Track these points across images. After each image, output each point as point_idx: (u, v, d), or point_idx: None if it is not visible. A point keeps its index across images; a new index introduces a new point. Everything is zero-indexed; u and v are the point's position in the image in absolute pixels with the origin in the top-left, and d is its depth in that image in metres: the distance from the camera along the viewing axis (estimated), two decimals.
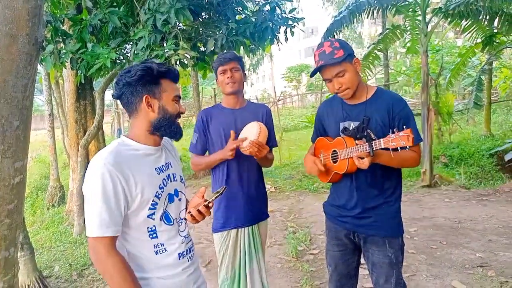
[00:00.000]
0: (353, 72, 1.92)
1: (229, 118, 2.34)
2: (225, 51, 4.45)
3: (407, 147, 1.66)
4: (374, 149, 1.72)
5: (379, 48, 8.10)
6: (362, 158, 1.76)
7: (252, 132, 2.14)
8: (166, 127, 1.49)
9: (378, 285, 2.04)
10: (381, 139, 1.71)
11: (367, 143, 1.73)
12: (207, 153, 2.43)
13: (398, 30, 7.63)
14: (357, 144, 1.82)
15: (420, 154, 1.97)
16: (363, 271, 3.24)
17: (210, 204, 1.57)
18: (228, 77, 2.29)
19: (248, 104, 2.47)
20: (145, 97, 1.45)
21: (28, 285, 3.36)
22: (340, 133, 2.00)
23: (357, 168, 1.88)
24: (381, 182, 1.99)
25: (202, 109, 2.61)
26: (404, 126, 1.68)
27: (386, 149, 1.74)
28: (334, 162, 2.02)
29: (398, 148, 1.69)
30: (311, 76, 2.11)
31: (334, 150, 2.01)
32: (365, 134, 1.77)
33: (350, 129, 1.93)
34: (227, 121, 2.34)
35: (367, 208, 2.00)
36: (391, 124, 1.90)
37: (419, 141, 1.92)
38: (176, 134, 1.53)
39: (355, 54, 1.98)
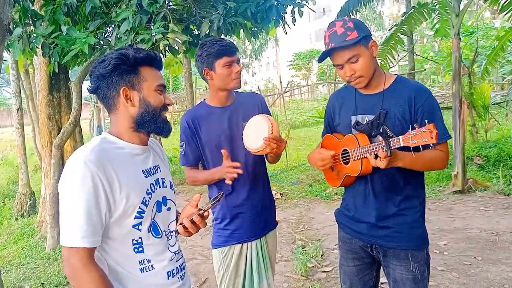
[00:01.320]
0: (368, 58, 1.91)
1: (222, 118, 2.30)
2: (222, 34, 4.45)
3: (431, 145, 1.65)
4: (392, 147, 1.70)
5: (402, 31, 8.07)
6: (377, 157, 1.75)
7: (263, 128, 2.09)
8: (151, 122, 1.48)
9: None
10: (400, 137, 1.70)
11: (383, 141, 1.70)
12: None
13: (425, 9, 7.60)
14: (371, 143, 1.82)
15: (448, 153, 1.95)
16: None
17: (206, 213, 1.56)
18: (237, 71, 2.24)
19: (238, 96, 2.42)
20: (122, 89, 1.45)
21: None
22: (352, 128, 2.00)
23: (373, 169, 1.88)
24: (402, 185, 1.98)
25: (186, 111, 2.56)
26: (426, 121, 1.66)
27: (407, 147, 1.73)
28: (346, 164, 2.01)
29: (420, 147, 1.68)
30: (320, 61, 2.08)
31: (345, 149, 2.01)
32: (380, 130, 1.75)
33: (364, 123, 1.92)
34: (220, 123, 2.30)
35: (386, 216, 2.00)
36: (412, 119, 1.89)
37: (446, 138, 1.91)
38: (163, 129, 1.53)
39: (372, 36, 1.96)
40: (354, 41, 1.85)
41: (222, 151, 2.14)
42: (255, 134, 2.13)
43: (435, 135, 1.61)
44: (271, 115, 2.41)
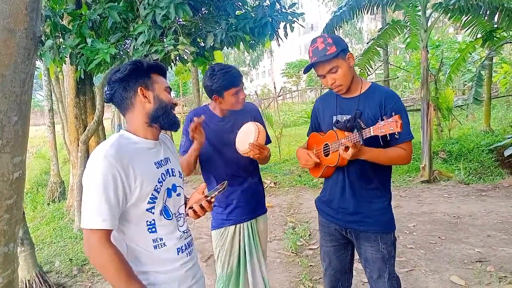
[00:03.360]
0: (346, 68, 1.92)
1: (220, 125, 2.28)
2: (224, 46, 4.44)
3: (396, 133, 1.66)
4: (364, 137, 1.73)
5: (379, 44, 8.07)
6: (348, 149, 1.76)
7: (250, 134, 2.11)
8: (164, 116, 1.50)
9: (372, 280, 2.05)
10: (371, 127, 1.72)
11: (357, 133, 1.73)
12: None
13: (398, 26, 7.60)
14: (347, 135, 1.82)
15: (410, 152, 1.95)
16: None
17: (212, 200, 1.58)
18: (243, 98, 2.21)
19: None
20: (139, 89, 1.47)
21: (29, 280, 3.36)
22: (333, 126, 2.00)
23: (348, 161, 1.89)
24: (372, 178, 1.99)
25: (193, 109, 2.55)
26: (394, 113, 1.68)
27: (376, 138, 1.73)
28: (326, 156, 2.01)
29: (387, 135, 1.69)
30: (305, 72, 2.09)
31: (326, 144, 2.01)
32: (355, 123, 1.77)
33: (342, 121, 1.93)
34: (218, 129, 2.27)
35: (358, 204, 2.00)
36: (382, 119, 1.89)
37: (409, 138, 1.90)
38: (174, 124, 1.53)
39: (349, 49, 1.97)
40: (333, 55, 1.87)
41: (195, 118, 2.05)
42: (244, 139, 2.15)
43: (400, 124, 1.63)
44: (263, 122, 2.40)
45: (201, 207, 1.56)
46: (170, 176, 1.55)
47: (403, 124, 1.67)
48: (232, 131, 2.25)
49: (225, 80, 2.14)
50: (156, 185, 1.46)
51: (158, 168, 1.50)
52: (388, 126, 1.66)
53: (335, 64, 1.89)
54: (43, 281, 3.43)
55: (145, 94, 1.47)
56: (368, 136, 1.73)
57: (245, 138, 2.13)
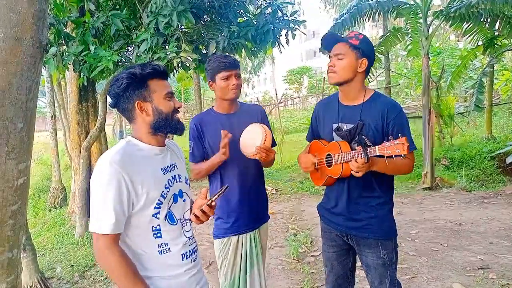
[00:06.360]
0: (351, 64, 1.93)
1: (225, 123, 2.28)
2: (226, 53, 4.47)
3: (403, 155, 1.67)
4: (369, 155, 1.73)
5: (380, 51, 8.11)
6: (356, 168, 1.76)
7: (258, 137, 2.09)
8: (165, 126, 1.50)
9: (373, 286, 2.06)
10: (376, 146, 1.72)
11: (362, 150, 1.73)
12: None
13: (399, 33, 7.65)
14: (352, 150, 1.83)
15: (413, 161, 1.97)
16: None
17: (213, 203, 1.58)
18: (233, 84, 2.21)
19: (241, 106, 2.41)
20: (136, 103, 1.46)
21: (30, 286, 3.37)
22: (333, 132, 2.02)
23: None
24: (373, 186, 2.00)
25: (195, 115, 2.56)
26: (400, 134, 1.69)
27: (381, 156, 1.74)
28: (329, 166, 2.02)
29: (393, 156, 1.70)
30: (324, 37, 2.06)
31: (329, 154, 2.01)
32: (360, 138, 1.78)
33: (343, 130, 1.94)
34: (224, 128, 2.25)
35: (359, 210, 2.01)
36: (384, 130, 1.90)
37: (412, 149, 1.91)
38: (177, 129, 1.54)
39: (369, 60, 1.97)
40: (350, 44, 1.91)
41: (222, 131, 2.11)
42: (250, 141, 2.13)
43: (407, 147, 1.64)
44: (269, 124, 2.39)
45: (203, 211, 1.56)
46: (177, 182, 1.57)
47: (407, 135, 1.69)
48: (238, 130, 2.24)
49: (216, 63, 2.22)
50: (163, 191, 1.48)
51: (164, 174, 1.52)
52: (394, 148, 1.66)
53: (345, 52, 1.92)
54: (45, 287, 3.43)
55: (143, 107, 1.47)
56: (372, 155, 1.74)
57: (251, 141, 2.11)
